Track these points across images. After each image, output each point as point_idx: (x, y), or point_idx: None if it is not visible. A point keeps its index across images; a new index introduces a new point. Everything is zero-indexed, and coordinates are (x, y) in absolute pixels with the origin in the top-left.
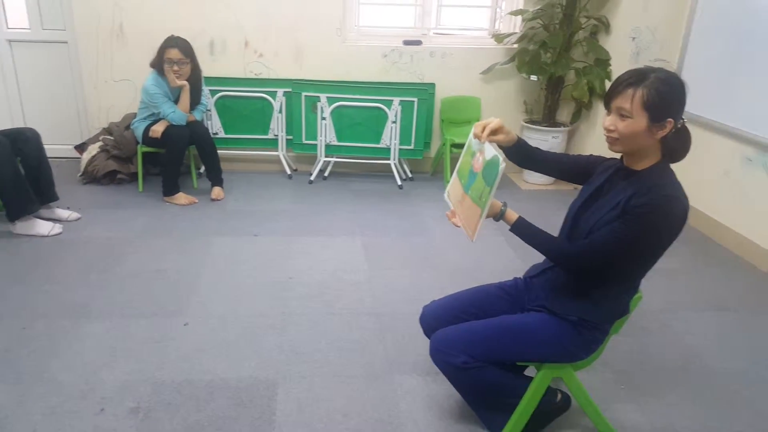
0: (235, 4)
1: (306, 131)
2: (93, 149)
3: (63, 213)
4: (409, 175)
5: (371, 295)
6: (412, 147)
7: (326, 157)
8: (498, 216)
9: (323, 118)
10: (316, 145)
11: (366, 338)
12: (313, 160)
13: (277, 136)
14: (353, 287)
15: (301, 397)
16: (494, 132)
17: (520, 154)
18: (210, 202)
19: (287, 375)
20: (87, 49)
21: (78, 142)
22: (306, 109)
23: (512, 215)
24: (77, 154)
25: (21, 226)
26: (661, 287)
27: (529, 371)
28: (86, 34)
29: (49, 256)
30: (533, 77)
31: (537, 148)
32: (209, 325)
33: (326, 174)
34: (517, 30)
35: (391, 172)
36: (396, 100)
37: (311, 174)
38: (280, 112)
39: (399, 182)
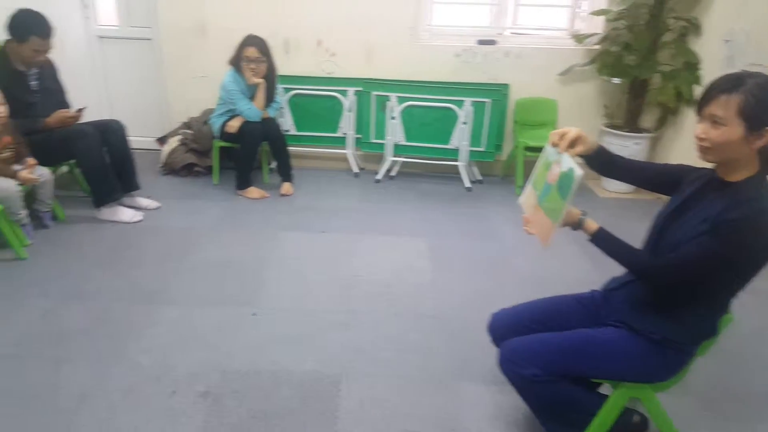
0: (310, 4)
1: (375, 130)
2: (173, 142)
3: (144, 202)
4: (479, 178)
5: (436, 298)
6: (483, 149)
7: (394, 156)
8: (576, 225)
9: (392, 118)
10: (384, 144)
11: (430, 342)
12: (380, 159)
13: (346, 134)
14: (417, 289)
15: (363, 395)
16: (572, 143)
17: (601, 162)
18: (280, 198)
19: (351, 372)
20: (170, 47)
21: (159, 135)
22: (376, 109)
23: (592, 225)
24: (158, 147)
25: (105, 212)
26: (755, 309)
27: (604, 388)
28: (170, 31)
29: (130, 242)
30: (615, 80)
31: (619, 155)
32: (276, 317)
33: (393, 174)
34: (599, 30)
35: (459, 174)
36: (468, 100)
37: (378, 173)
38: (350, 110)
39: (468, 185)
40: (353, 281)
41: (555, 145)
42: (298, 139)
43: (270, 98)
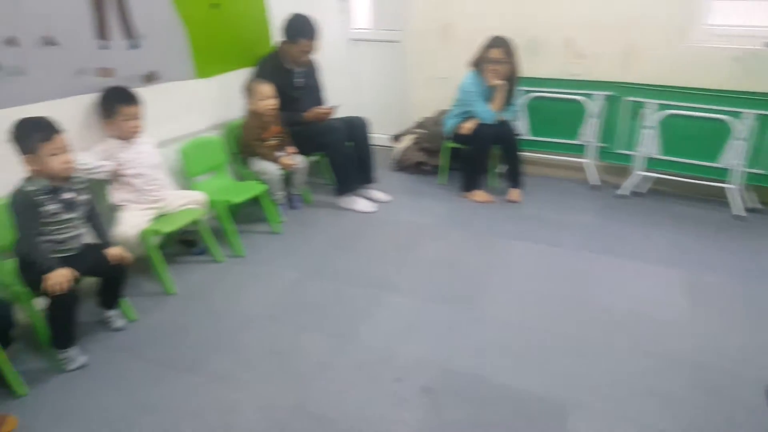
0: (562, 3)
1: (622, 140)
2: (407, 140)
3: (378, 194)
4: (756, 205)
5: (692, 341)
6: (763, 172)
7: (645, 171)
8: None
9: (648, 127)
10: (632, 156)
11: (682, 391)
12: (621, 172)
13: (587, 142)
14: (667, 327)
15: None
16: None
17: None
18: (506, 204)
19: (580, 405)
20: (415, 48)
21: (395, 133)
22: (627, 116)
23: None
24: (393, 144)
25: (345, 201)
26: None
27: None
28: (417, 33)
29: (364, 230)
30: None
31: None
32: (498, 327)
33: (641, 190)
34: None
35: (727, 198)
36: (749, 113)
37: (621, 187)
38: (595, 116)
39: (739, 212)
40: (587, 305)
41: None
42: (532, 145)
43: (508, 100)
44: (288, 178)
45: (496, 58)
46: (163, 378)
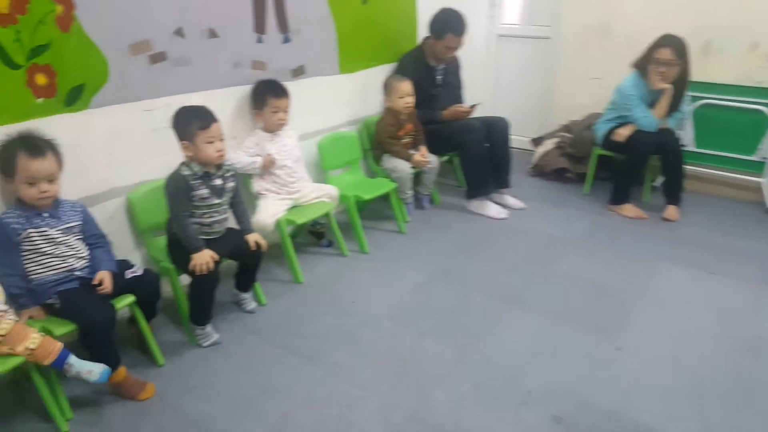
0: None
1: None
2: (548, 144)
3: (511, 200)
4: None
5: None
6: None
7: None
8: None
9: None
10: None
11: None
12: None
13: (765, 158)
14: None
15: None
16: None
17: None
18: (660, 221)
19: None
20: (568, 46)
21: (535, 136)
22: None
23: None
24: (532, 147)
25: (475, 205)
26: None
27: None
28: (570, 30)
29: (493, 237)
30: None
31: None
32: (645, 361)
33: None
34: None
35: None
36: None
37: None
38: None
39: None
40: (754, 345)
41: None
42: (697, 158)
43: (674, 107)
44: (418, 177)
45: (664, 60)
46: (286, 364)
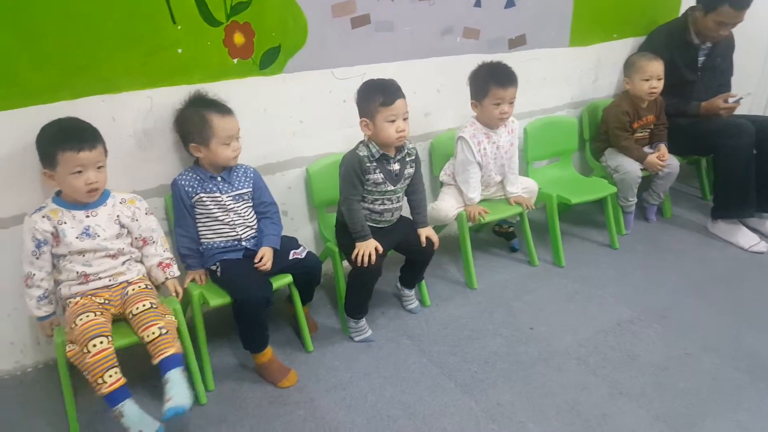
0: None
1: None
2: None
3: None
4: None
5: None
6: None
7: None
8: None
9: None
10: None
11: None
12: None
13: None
14: None
15: None
16: None
17: None
18: None
19: None
20: None
21: None
22: None
23: None
24: None
25: (722, 228)
26: None
27: None
28: None
29: (744, 276)
30: None
31: None
32: None
33: None
34: None
35: None
36: None
37: None
38: None
39: None
40: None
41: None
42: None
43: None
44: (648, 180)
45: None
46: (439, 387)
